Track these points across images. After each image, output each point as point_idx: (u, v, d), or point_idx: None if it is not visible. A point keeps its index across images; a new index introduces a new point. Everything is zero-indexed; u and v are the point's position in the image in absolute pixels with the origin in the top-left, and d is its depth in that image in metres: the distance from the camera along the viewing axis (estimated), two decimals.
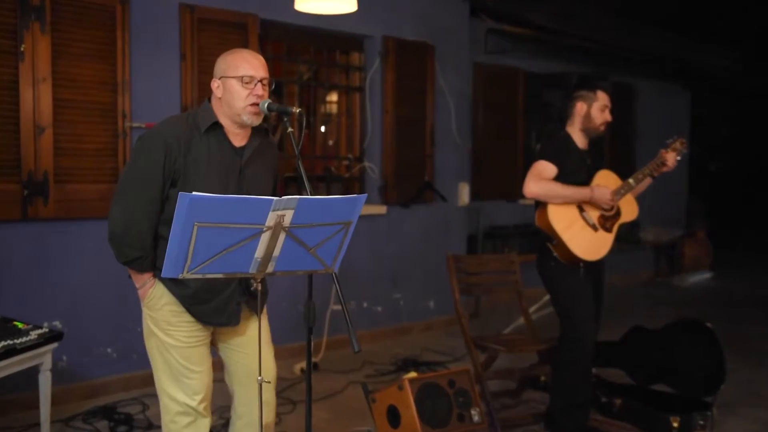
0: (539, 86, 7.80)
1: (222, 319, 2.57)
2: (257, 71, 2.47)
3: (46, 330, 3.42)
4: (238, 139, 2.55)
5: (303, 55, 5.87)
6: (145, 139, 2.47)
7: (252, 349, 2.65)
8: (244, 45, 4.94)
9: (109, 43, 4.39)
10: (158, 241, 2.49)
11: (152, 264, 2.50)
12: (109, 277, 4.43)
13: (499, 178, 7.52)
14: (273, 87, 2.55)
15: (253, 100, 2.46)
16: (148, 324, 2.57)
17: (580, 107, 3.73)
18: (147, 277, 2.51)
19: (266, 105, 2.47)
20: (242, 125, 2.52)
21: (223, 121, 2.51)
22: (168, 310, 2.52)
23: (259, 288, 2.29)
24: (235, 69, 2.46)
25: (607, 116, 3.73)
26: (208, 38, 4.80)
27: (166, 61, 4.68)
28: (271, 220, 2.01)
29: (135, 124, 4.49)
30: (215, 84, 2.51)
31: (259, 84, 2.47)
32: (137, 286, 2.55)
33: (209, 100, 2.56)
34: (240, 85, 2.45)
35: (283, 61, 5.75)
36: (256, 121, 2.50)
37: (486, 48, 7.28)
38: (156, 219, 2.47)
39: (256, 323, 2.66)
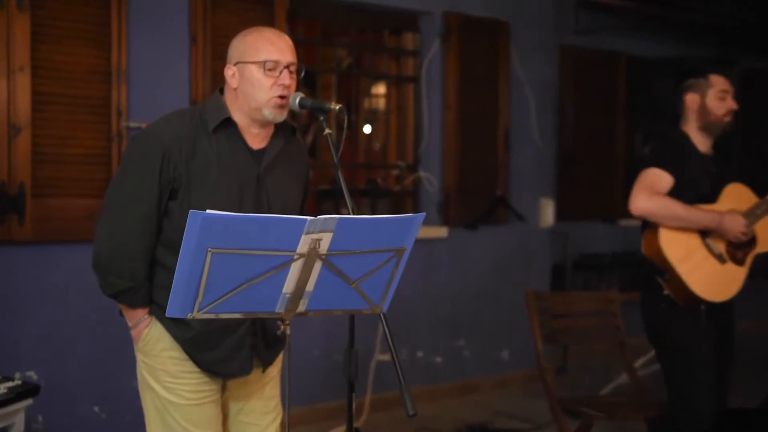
0: (646, 74, 7.72)
1: (231, 369, 2.57)
2: (283, 55, 2.47)
3: (19, 383, 3.47)
4: (257, 140, 2.55)
5: (342, 36, 5.91)
6: (139, 141, 2.49)
7: (262, 419, 2.68)
8: (269, 25, 4.98)
9: (101, 24, 4.47)
10: (155, 268, 2.50)
11: (147, 297, 2.51)
12: (99, 318, 4.47)
13: (594, 193, 7.46)
14: (303, 75, 2.55)
15: (279, 91, 2.45)
16: (143, 374, 2.58)
17: (691, 100, 3.72)
18: (141, 314, 2.52)
19: (297, 100, 2.47)
20: (263, 123, 2.52)
21: (238, 117, 2.51)
22: (167, 356, 2.53)
23: (288, 332, 2.27)
24: (255, 52, 2.47)
25: (730, 103, 3.71)
26: (224, 17, 4.86)
27: (173, 45, 4.76)
28: (303, 245, 2.01)
29: (133, 124, 4.56)
30: (230, 71, 2.52)
31: (286, 71, 2.47)
32: (129, 325, 2.56)
33: (221, 91, 2.57)
34: (261, 73, 2.45)
35: (318, 44, 5.79)
36: (281, 117, 2.50)
37: (576, 26, 7.24)
38: (151, 240, 2.47)
39: (267, 383, 2.69)
